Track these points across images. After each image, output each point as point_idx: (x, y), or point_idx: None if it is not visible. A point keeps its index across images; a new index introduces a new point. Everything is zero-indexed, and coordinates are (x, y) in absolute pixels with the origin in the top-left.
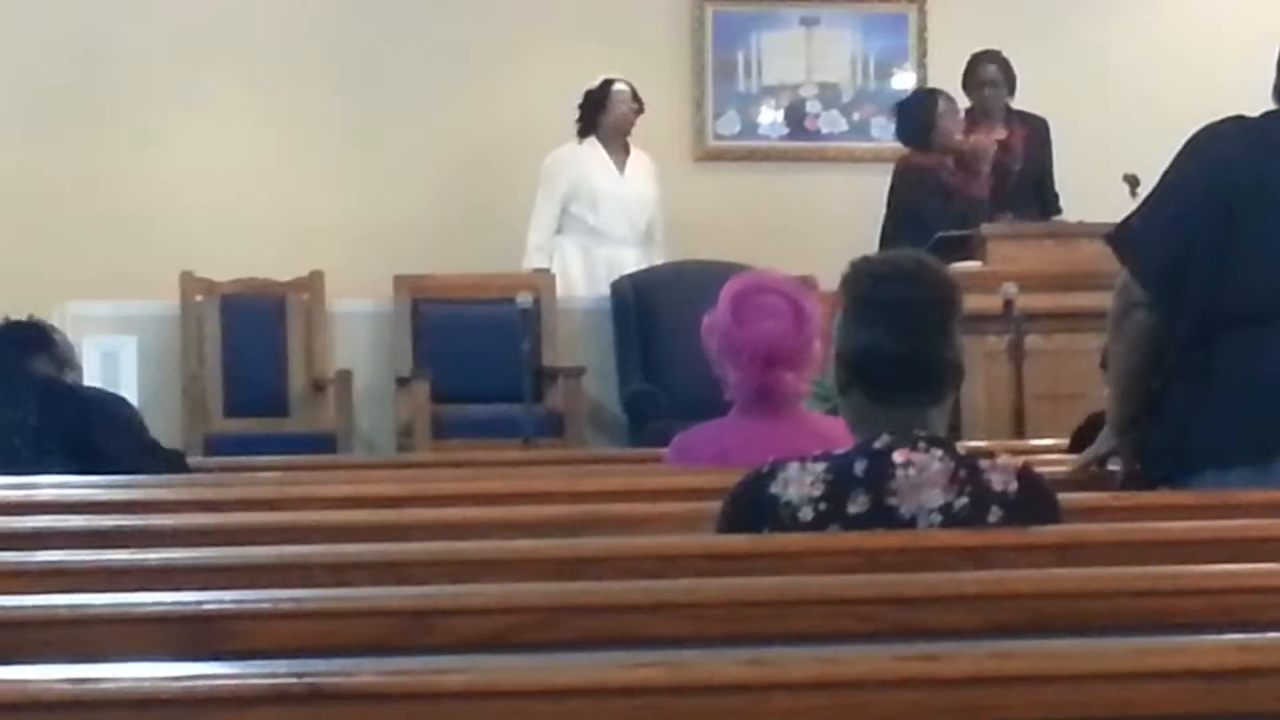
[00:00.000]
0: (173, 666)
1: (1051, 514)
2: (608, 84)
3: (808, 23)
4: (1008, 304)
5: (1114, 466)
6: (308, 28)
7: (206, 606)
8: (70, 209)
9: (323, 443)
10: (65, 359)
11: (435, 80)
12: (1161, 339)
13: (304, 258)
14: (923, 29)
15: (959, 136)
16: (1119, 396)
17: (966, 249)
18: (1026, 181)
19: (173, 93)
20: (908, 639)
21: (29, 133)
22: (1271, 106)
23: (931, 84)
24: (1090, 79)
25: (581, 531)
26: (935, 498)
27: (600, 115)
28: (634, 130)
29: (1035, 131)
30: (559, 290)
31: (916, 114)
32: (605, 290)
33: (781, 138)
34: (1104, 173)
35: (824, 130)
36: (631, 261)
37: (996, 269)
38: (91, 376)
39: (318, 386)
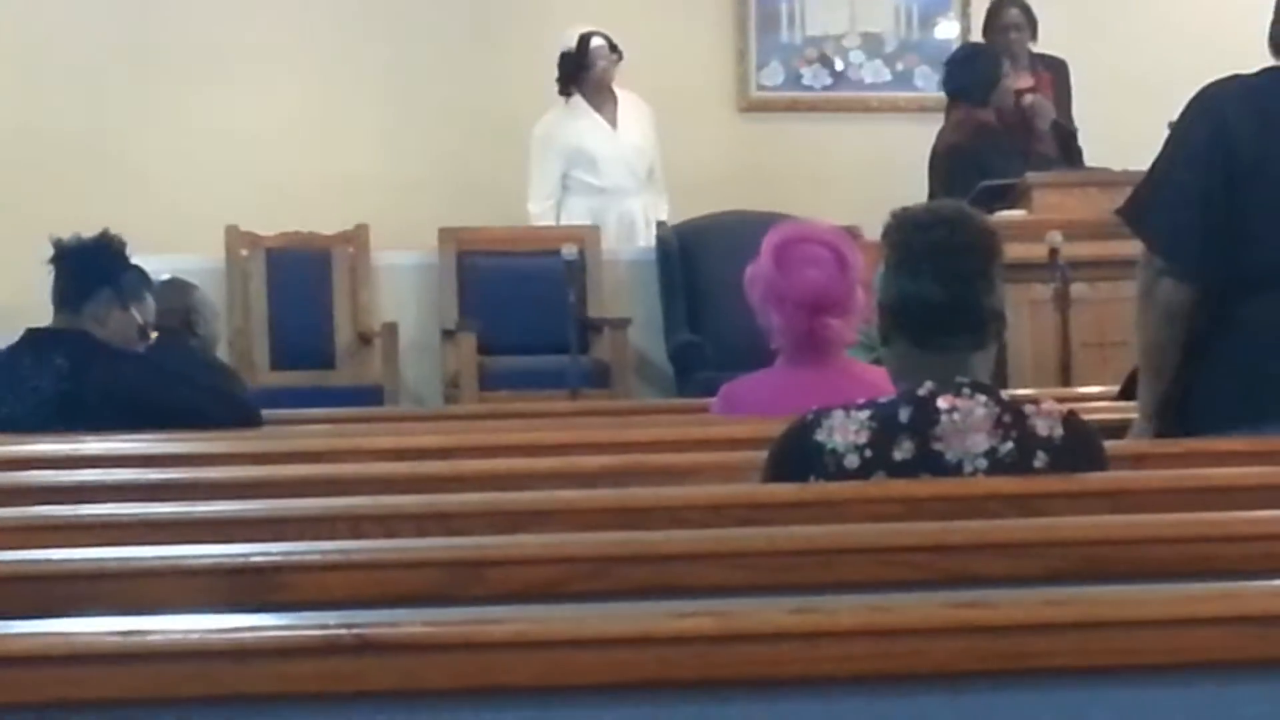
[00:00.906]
0: (221, 618)
1: (1098, 460)
2: (585, 38)
3: None
4: (1053, 252)
5: None
6: None
7: (255, 559)
8: (115, 165)
9: (369, 395)
10: (132, 292)
11: (480, 31)
12: (1188, 311)
13: (349, 211)
14: None
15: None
16: (1150, 375)
17: (1010, 198)
18: (1057, 128)
19: (217, 47)
20: (955, 586)
21: (74, 90)
22: (1270, 62)
23: (975, 34)
24: (1117, 20)
25: (628, 482)
26: (980, 443)
27: (581, 73)
28: (668, 81)
29: (1057, 75)
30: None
31: (982, 71)
32: (621, 245)
33: (825, 88)
34: (1128, 116)
35: (867, 80)
36: (639, 209)
37: (1041, 218)
38: None
39: (364, 339)
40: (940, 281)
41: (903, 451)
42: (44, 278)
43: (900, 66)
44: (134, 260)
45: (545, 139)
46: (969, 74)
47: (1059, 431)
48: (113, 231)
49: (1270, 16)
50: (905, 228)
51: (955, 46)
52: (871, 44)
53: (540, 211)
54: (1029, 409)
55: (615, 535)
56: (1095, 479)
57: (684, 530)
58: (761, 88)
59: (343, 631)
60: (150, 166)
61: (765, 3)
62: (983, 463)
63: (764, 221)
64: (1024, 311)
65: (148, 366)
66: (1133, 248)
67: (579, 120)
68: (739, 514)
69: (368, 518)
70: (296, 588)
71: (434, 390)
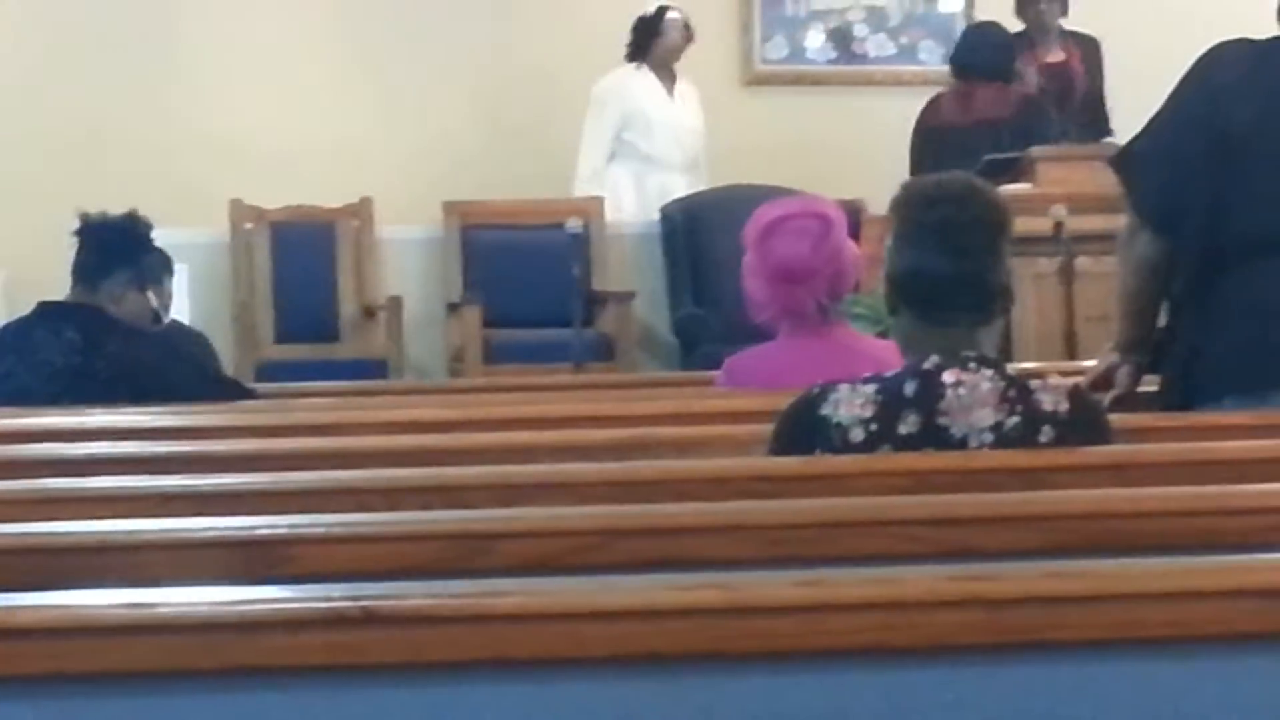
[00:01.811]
0: (227, 591)
1: (1103, 434)
2: (662, 10)
3: None
4: (1057, 226)
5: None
6: None
7: (261, 531)
8: (121, 137)
9: (374, 369)
10: (152, 275)
11: (483, 6)
12: (1163, 266)
13: (353, 184)
14: None
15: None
16: (1122, 316)
17: (1015, 171)
18: (1093, 102)
19: (222, 18)
20: (960, 560)
21: (78, 64)
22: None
23: (979, 8)
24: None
25: (633, 455)
26: (986, 417)
27: (653, 41)
28: (681, 58)
29: (1089, 51)
30: (610, 217)
31: (1007, 49)
32: (657, 216)
33: (829, 62)
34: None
35: (872, 54)
36: (682, 187)
37: (1046, 191)
38: None
39: (368, 313)
40: (947, 255)
41: (908, 425)
42: (53, 252)
43: (905, 40)
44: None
45: (603, 98)
46: (992, 53)
47: (1064, 406)
48: (140, 213)
49: None
50: (913, 200)
51: (959, 20)
52: (876, 17)
53: (590, 172)
54: (1034, 383)
55: (620, 508)
56: (1099, 452)
57: (689, 503)
58: (766, 61)
59: (348, 604)
60: (155, 140)
61: None
62: (988, 437)
63: (768, 195)
64: (1028, 285)
65: (160, 345)
66: None
67: (638, 83)
68: (744, 487)
69: (372, 491)
70: (302, 560)
71: (438, 364)
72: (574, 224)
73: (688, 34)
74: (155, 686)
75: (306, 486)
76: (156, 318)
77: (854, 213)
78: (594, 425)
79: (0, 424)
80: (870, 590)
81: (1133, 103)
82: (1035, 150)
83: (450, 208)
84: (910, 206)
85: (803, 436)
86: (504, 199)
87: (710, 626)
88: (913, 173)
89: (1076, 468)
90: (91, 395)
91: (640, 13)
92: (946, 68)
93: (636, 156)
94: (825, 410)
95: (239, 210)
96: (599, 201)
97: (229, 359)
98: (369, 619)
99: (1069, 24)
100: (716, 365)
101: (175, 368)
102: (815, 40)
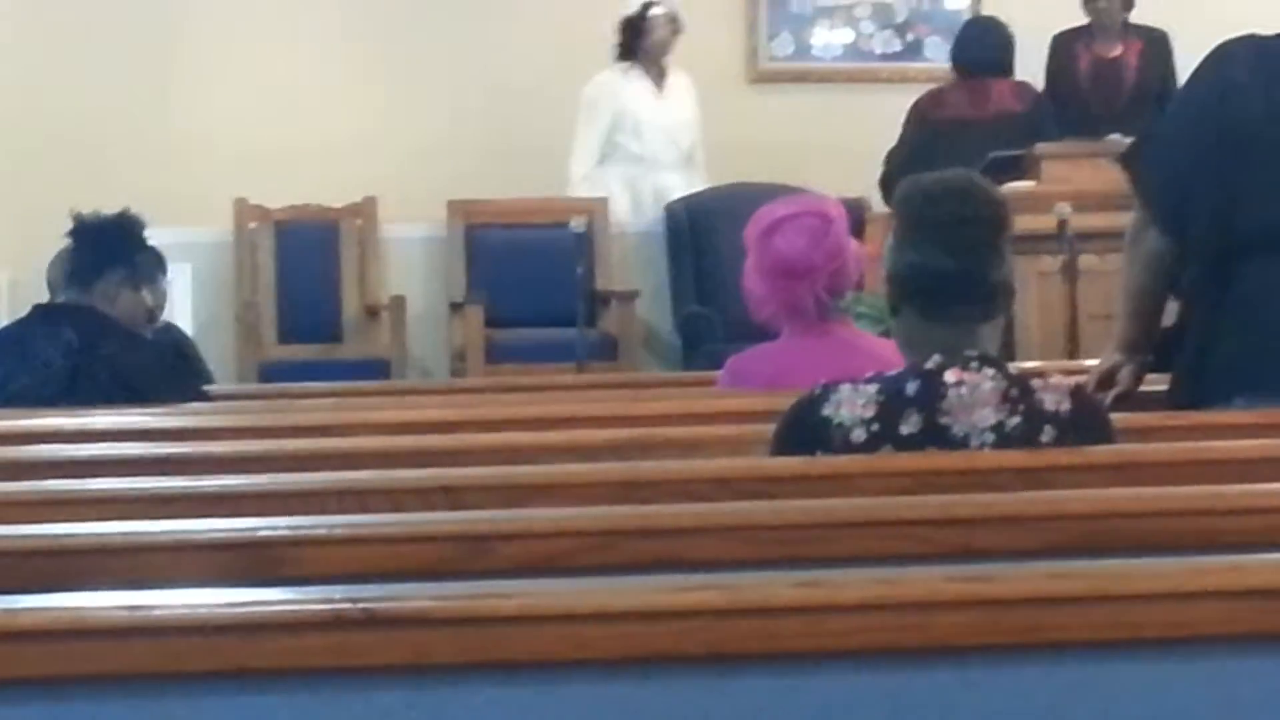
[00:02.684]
0: (229, 592)
1: (1105, 434)
2: (646, 7)
3: None
4: (1061, 224)
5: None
6: None
7: (262, 533)
8: (124, 137)
9: (377, 368)
10: (146, 274)
11: (487, 4)
12: (1169, 263)
13: (357, 183)
14: None
15: None
16: (1126, 313)
17: (1020, 169)
18: (1144, 98)
19: (224, 18)
20: (962, 560)
21: (81, 63)
22: None
23: (986, 4)
24: None
25: (635, 455)
26: (988, 417)
27: (640, 39)
28: (677, 51)
29: (1153, 45)
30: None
31: (1006, 43)
32: (652, 218)
33: (835, 59)
34: None
35: (878, 51)
36: (677, 185)
37: (1050, 189)
38: None
39: (371, 312)
40: (949, 252)
41: (910, 425)
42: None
43: (911, 37)
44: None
45: (594, 99)
46: (1002, 50)
47: (1066, 406)
48: (133, 211)
49: None
50: (915, 198)
51: (965, 17)
52: (882, 14)
53: (584, 173)
54: (1036, 383)
55: (622, 509)
56: (1101, 452)
57: (691, 504)
58: (772, 58)
59: (349, 606)
60: (158, 139)
61: None
62: (990, 437)
63: (772, 194)
64: (1032, 283)
65: (155, 348)
66: None
67: (629, 83)
68: (746, 487)
69: (374, 492)
70: (303, 562)
71: (441, 363)
72: (578, 223)
73: (674, 26)
74: (156, 689)
75: (308, 487)
76: (151, 316)
77: (858, 210)
78: (596, 426)
79: (1, 425)
80: (872, 591)
81: None
82: (1039, 147)
83: (454, 207)
84: (911, 204)
85: (804, 437)
86: (507, 198)
87: (712, 627)
88: (902, 163)
89: (1078, 468)
90: (89, 396)
91: (625, 12)
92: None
93: (628, 158)
94: (827, 410)
95: (243, 209)
96: (603, 201)
97: (232, 359)
98: (370, 621)
99: (1138, 17)
100: (720, 365)
101: (170, 370)
102: (821, 37)
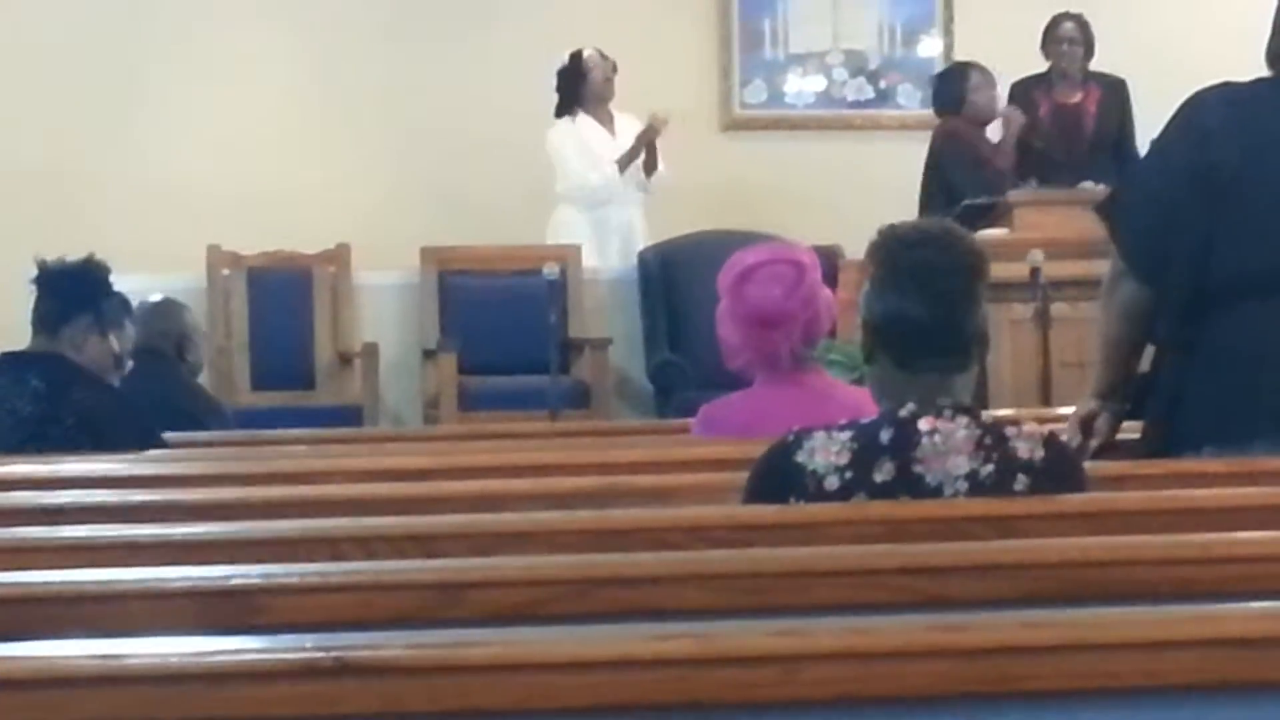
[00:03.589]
0: (200, 641)
1: (1078, 482)
2: (576, 55)
3: None
4: (1034, 271)
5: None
6: (331, 3)
7: (234, 581)
8: (97, 183)
9: (349, 415)
10: (112, 320)
11: (460, 51)
12: (1146, 311)
13: (330, 230)
14: None
15: (996, 108)
16: (1102, 361)
17: (992, 216)
18: (1103, 144)
19: (196, 68)
20: (935, 609)
21: (56, 107)
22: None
23: (958, 51)
24: (1139, 41)
25: (608, 503)
26: (961, 465)
27: (580, 88)
28: (652, 98)
29: (1112, 93)
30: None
31: (950, 87)
32: (621, 257)
33: (808, 106)
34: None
35: (850, 98)
36: (640, 219)
37: (1023, 236)
38: None
39: (344, 359)
40: (925, 302)
41: (883, 473)
42: (26, 300)
43: (883, 84)
44: (116, 282)
45: (560, 136)
46: (940, 89)
47: (1040, 453)
48: (98, 256)
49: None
50: (891, 246)
51: (938, 64)
52: (854, 61)
53: (603, 174)
54: (1010, 431)
55: (595, 557)
56: (1074, 500)
57: (664, 552)
58: (745, 105)
59: (321, 654)
60: (132, 186)
61: (748, 20)
62: (963, 485)
63: (745, 241)
64: (1005, 331)
65: (125, 396)
66: None
67: (581, 130)
68: (719, 536)
69: (347, 539)
70: (275, 610)
71: (414, 410)
72: (551, 270)
73: (610, 66)
74: None
75: (280, 535)
76: (119, 362)
77: (831, 258)
78: (569, 473)
79: None
80: (846, 640)
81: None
82: (1012, 195)
83: (427, 254)
84: (888, 252)
85: (778, 484)
86: (480, 245)
87: (685, 676)
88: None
89: (1051, 516)
90: (56, 443)
91: (557, 66)
92: (925, 112)
93: (591, 203)
94: (800, 457)
95: (216, 256)
96: (576, 248)
97: None
98: (342, 669)
99: (1098, 65)
100: (692, 412)
101: (137, 418)
102: (794, 84)
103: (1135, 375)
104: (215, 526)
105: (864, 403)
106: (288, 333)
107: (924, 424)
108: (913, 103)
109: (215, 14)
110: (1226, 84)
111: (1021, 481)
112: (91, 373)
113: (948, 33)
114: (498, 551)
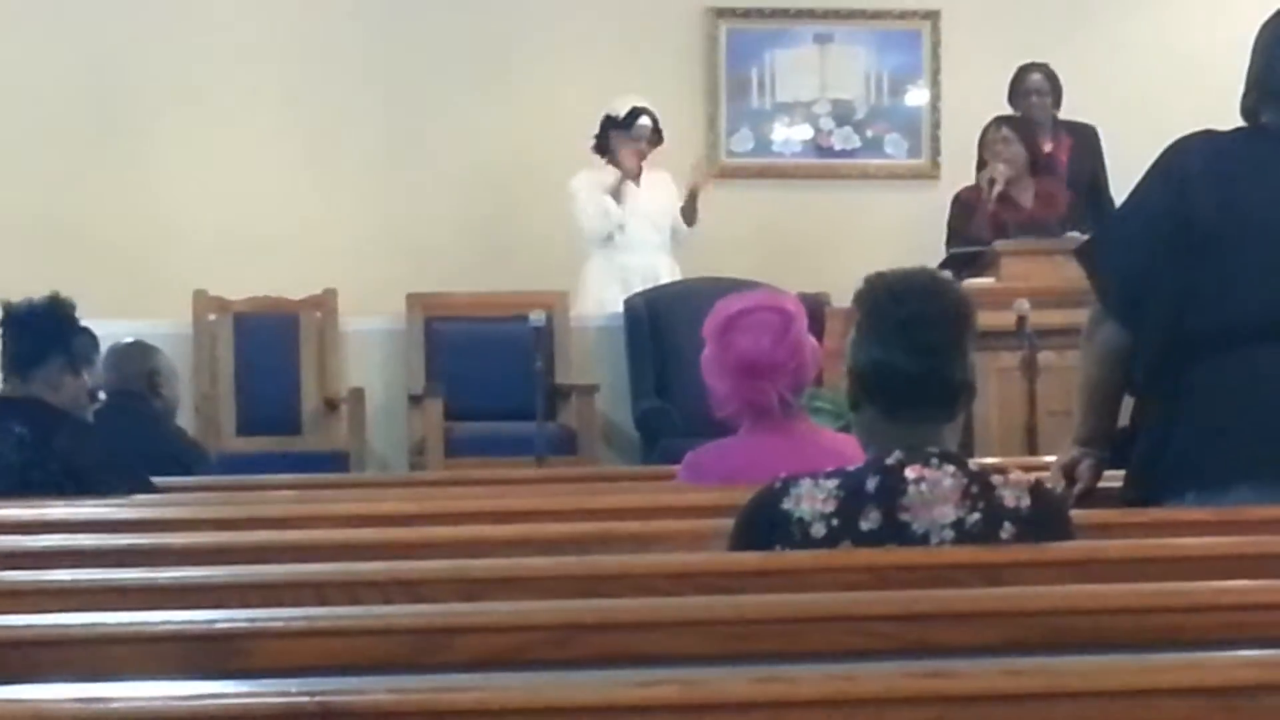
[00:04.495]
0: (185, 685)
1: (1064, 530)
2: (635, 113)
3: (821, 40)
4: (1020, 320)
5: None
6: (319, 48)
7: (219, 625)
8: (84, 227)
9: (335, 461)
10: (84, 356)
11: (447, 98)
12: (1126, 357)
13: (317, 276)
14: (936, 45)
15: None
16: (1084, 408)
17: (978, 265)
18: (1076, 193)
19: (186, 111)
20: (920, 656)
21: (42, 152)
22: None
23: (945, 101)
24: (1113, 88)
25: (594, 549)
26: (948, 514)
27: (618, 143)
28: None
29: (1083, 140)
30: (592, 309)
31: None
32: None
33: (795, 155)
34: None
35: (838, 147)
36: (664, 268)
37: (1009, 285)
38: None
39: (330, 405)
40: (913, 352)
41: (870, 521)
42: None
43: (870, 133)
44: (102, 326)
45: (581, 184)
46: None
47: (1026, 502)
48: (63, 294)
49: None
50: (879, 295)
51: (925, 113)
52: (842, 110)
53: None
54: (996, 479)
55: (580, 603)
56: (1060, 548)
57: (649, 598)
58: (732, 154)
59: (305, 699)
60: (119, 230)
61: (736, 68)
62: (949, 534)
63: (731, 288)
64: (991, 379)
65: (109, 440)
66: None
67: (603, 177)
68: (704, 582)
69: (332, 584)
70: (260, 654)
71: (400, 456)
72: (537, 317)
73: (655, 139)
74: None
75: (265, 580)
76: (92, 397)
77: (818, 306)
78: (555, 519)
79: None
80: (830, 686)
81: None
82: (999, 244)
83: (413, 300)
84: (876, 301)
85: (764, 531)
86: (467, 291)
87: None
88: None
89: (1037, 564)
90: (41, 489)
91: (609, 110)
92: (913, 161)
93: (613, 244)
94: (787, 505)
95: (202, 301)
96: (563, 295)
97: None
98: (326, 714)
99: (1067, 113)
100: (678, 459)
101: (122, 462)
102: (781, 133)
103: (1116, 423)
104: (201, 571)
105: (850, 450)
106: (274, 378)
107: (911, 472)
108: (899, 152)
109: (204, 60)
110: (1208, 132)
111: (1008, 530)
112: (74, 417)
113: (935, 83)
114: (483, 597)
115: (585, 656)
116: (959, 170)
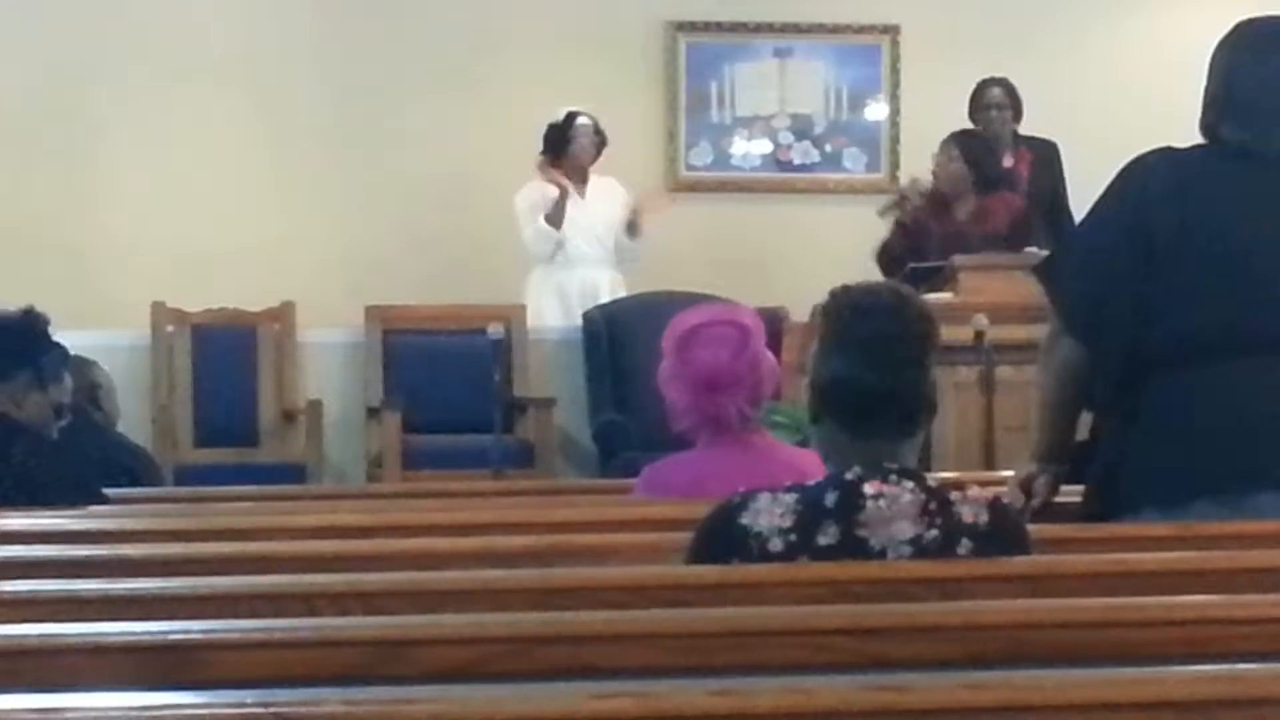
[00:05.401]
0: (141, 696)
1: (1022, 546)
2: (572, 116)
3: (781, 54)
4: (979, 335)
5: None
6: (278, 62)
7: (175, 636)
8: (41, 239)
9: (293, 473)
10: (52, 373)
11: (405, 111)
12: (1084, 373)
13: (275, 288)
14: (895, 60)
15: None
16: (1041, 423)
17: (938, 280)
18: (1038, 207)
19: (143, 124)
20: (877, 670)
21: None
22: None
23: (904, 115)
24: (1068, 104)
25: (551, 562)
26: (905, 530)
27: (564, 146)
28: (603, 161)
29: (1043, 156)
30: (531, 323)
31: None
32: (580, 316)
33: (754, 169)
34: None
35: (796, 161)
36: (605, 283)
37: (967, 300)
38: None
39: (288, 417)
40: (876, 368)
41: (828, 537)
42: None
43: (829, 148)
44: (58, 338)
45: (526, 202)
46: None
47: (984, 518)
48: (38, 309)
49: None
50: (843, 309)
51: (884, 128)
52: (801, 125)
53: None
54: (955, 496)
55: (537, 615)
56: (1017, 563)
57: (606, 611)
58: (691, 168)
59: (260, 710)
60: (76, 242)
61: (695, 83)
62: (907, 550)
63: (689, 302)
64: (949, 394)
65: (64, 453)
66: None
67: (546, 191)
68: (661, 595)
69: (288, 596)
70: (217, 665)
71: (358, 468)
72: (495, 330)
73: (599, 139)
74: None
75: (222, 591)
76: (59, 413)
77: (776, 320)
78: (512, 532)
79: None
80: (786, 700)
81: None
82: (957, 259)
83: (371, 312)
84: (839, 315)
85: (721, 545)
86: (425, 304)
87: None
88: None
89: (994, 578)
90: (2, 502)
91: (551, 119)
92: (871, 176)
93: (553, 260)
94: (745, 519)
95: (160, 313)
96: (520, 308)
97: None
98: None
99: (1027, 128)
100: (636, 472)
101: (75, 476)
102: (741, 147)
103: (1074, 439)
104: (157, 582)
105: (807, 464)
106: (232, 390)
107: (869, 488)
108: (858, 166)
109: (162, 72)
110: (1168, 149)
111: (965, 546)
112: (31, 430)
113: (894, 97)
114: (440, 609)
115: (542, 669)
116: None
